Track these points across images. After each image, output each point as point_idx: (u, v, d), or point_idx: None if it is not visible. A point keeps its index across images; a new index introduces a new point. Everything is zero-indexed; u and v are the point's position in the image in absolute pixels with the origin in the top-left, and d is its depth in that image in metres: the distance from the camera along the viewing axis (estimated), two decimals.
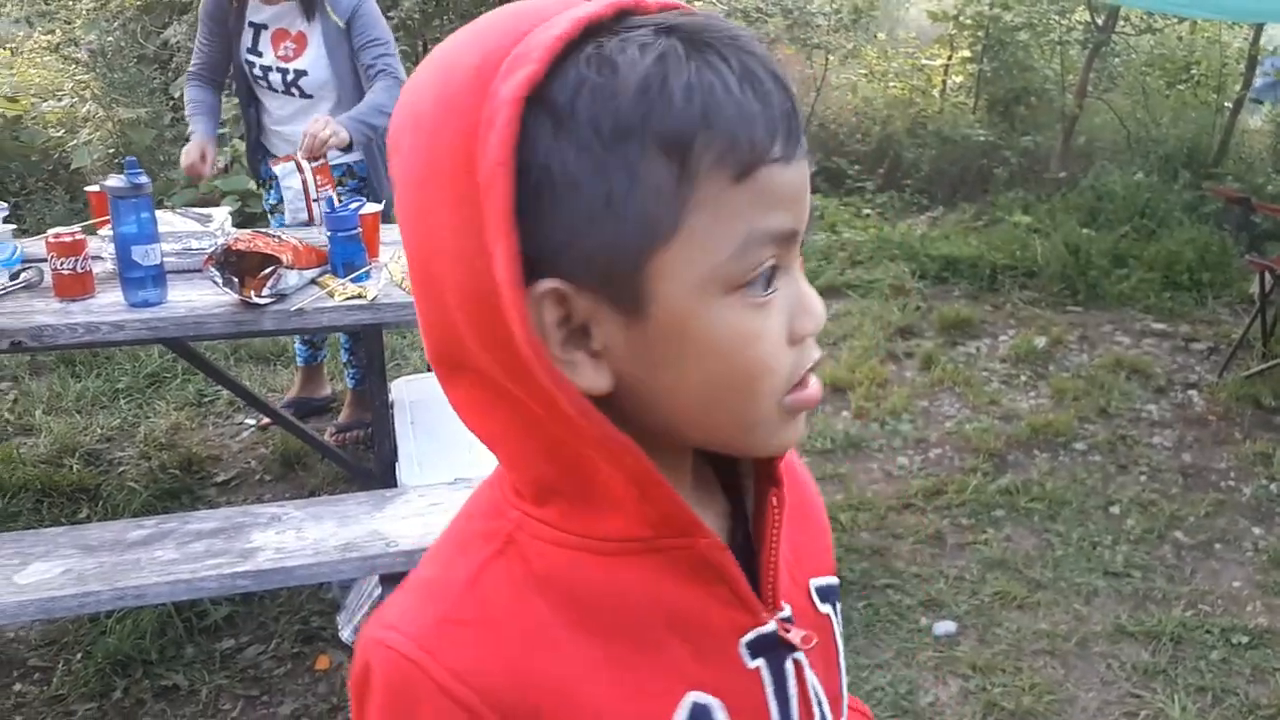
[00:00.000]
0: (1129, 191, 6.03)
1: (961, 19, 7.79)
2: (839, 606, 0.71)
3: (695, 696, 0.57)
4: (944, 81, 8.40)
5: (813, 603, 0.67)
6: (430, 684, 0.52)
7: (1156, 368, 4.37)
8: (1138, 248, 5.55)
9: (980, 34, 7.69)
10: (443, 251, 0.49)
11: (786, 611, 0.62)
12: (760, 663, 0.60)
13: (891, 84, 8.39)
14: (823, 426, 3.79)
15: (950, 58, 8.26)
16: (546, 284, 0.48)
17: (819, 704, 0.64)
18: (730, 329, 0.50)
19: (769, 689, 0.61)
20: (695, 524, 0.55)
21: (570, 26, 0.47)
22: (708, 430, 0.55)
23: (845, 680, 0.70)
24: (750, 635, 0.59)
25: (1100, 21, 6.67)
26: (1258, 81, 6.65)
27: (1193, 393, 4.16)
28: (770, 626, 0.60)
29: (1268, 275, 4.11)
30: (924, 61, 8.52)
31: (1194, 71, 7.35)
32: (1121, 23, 6.98)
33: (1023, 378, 4.29)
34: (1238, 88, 6.70)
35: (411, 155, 0.50)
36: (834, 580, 0.71)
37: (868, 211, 6.83)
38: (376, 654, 0.54)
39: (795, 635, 0.61)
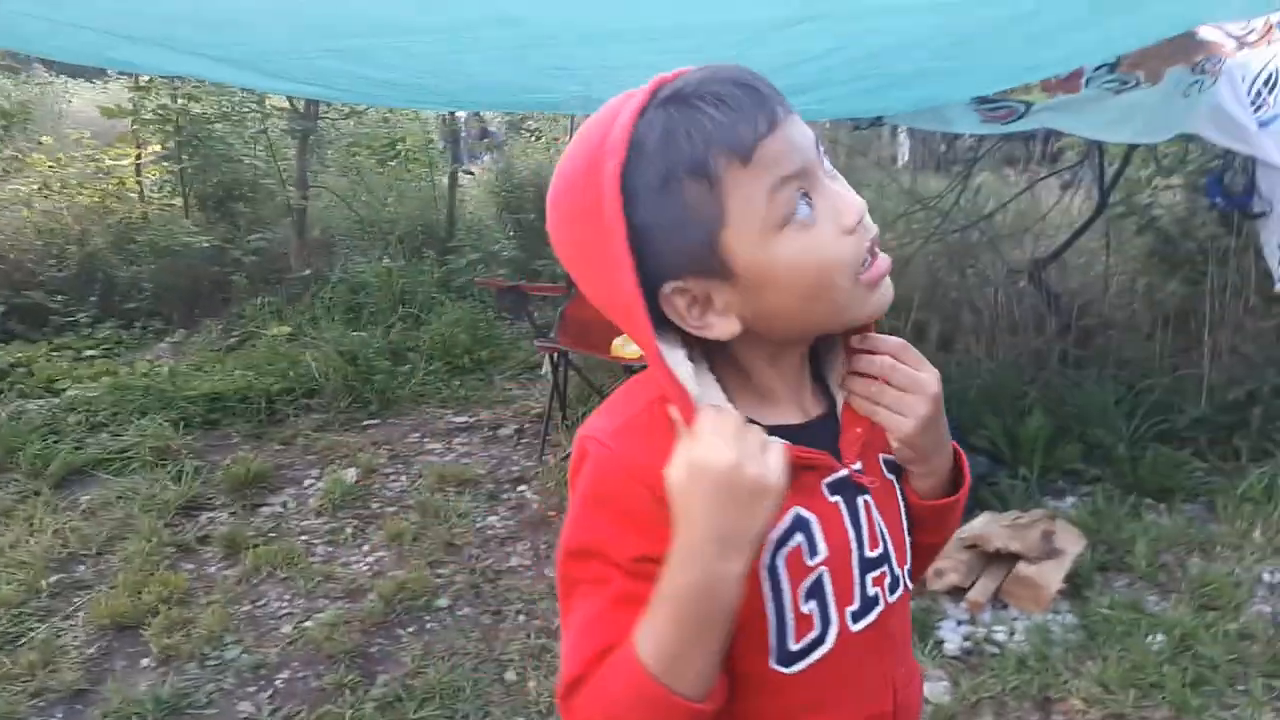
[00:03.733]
0: (383, 280, 5.74)
1: (143, 113, 6.80)
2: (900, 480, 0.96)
3: (798, 510, 0.85)
4: (139, 184, 7.29)
5: (881, 469, 0.94)
6: (619, 465, 0.82)
7: (479, 470, 4.05)
8: (411, 339, 5.27)
9: (170, 128, 6.79)
10: (593, 279, 0.82)
11: (858, 465, 0.91)
12: (838, 499, 0.89)
13: (77, 193, 7.02)
14: (119, 700, 2.66)
15: (139, 156, 7.19)
16: (668, 286, 0.79)
17: (883, 536, 0.92)
18: (794, 252, 0.78)
19: (845, 516, 0.89)
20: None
21: (629, 119, 0.77)
22: (816, 322, 0.84)
23: (908, 544, 0.96)
24: (829, 478, 0.88)
25: (302, 109, 6.27)
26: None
27: (524, 489, 3.92)
28: (843, 473, 0.89)
29: (556, 355, 4.04)
30: (110, 162, 7.29)
31: (399, 148, 7.40)
32: (324, 108, 6.69)
33: (348, 530, 3.61)
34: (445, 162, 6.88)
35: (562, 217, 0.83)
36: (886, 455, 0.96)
37: (90, 353, 5.53)
38: (589, 444, 0.84)
39: (865, 479, 0.91)
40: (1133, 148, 4.29)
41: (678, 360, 0.82)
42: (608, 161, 0.76)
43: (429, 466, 4.09)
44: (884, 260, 0.83)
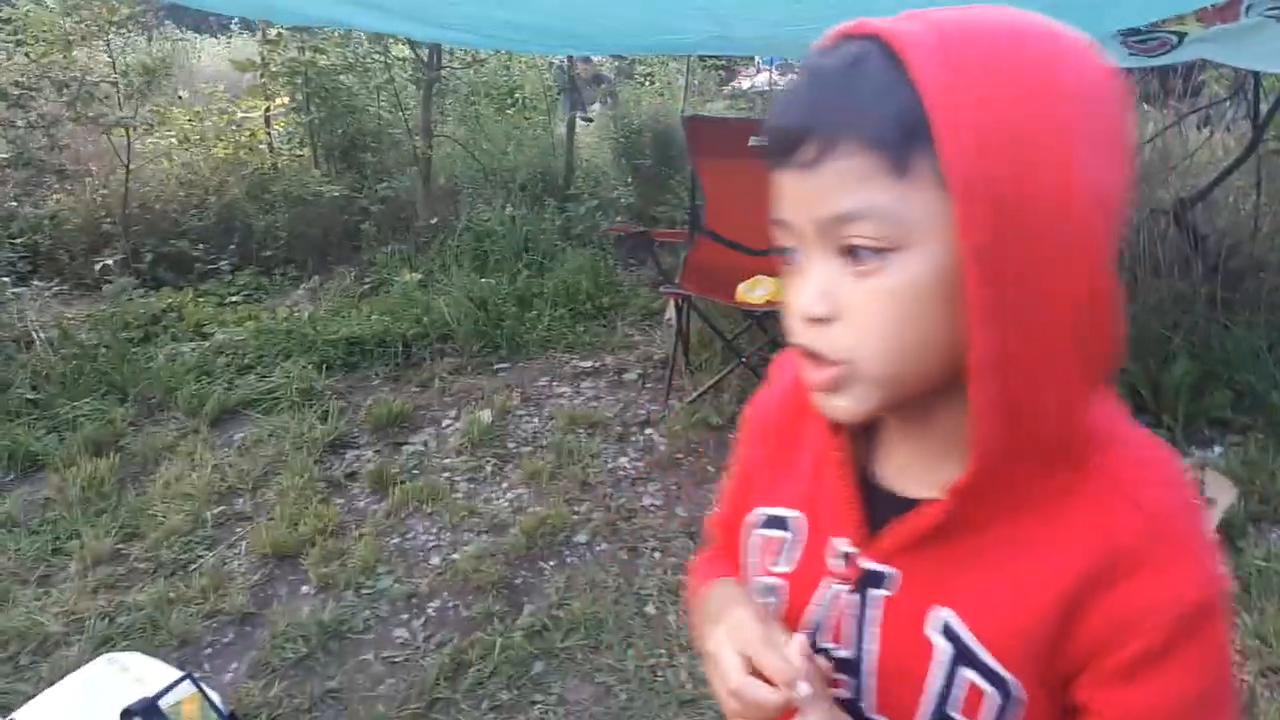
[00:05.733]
0: (507, 228, 5.83)
1: (272, 67, 7.01)
2: (973, 658, 0.66)
3: (795, 513, 0.79)
4: (269, 135, 7.54)
5: (922, 619, 0.68)
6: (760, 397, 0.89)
7: (607, 413, 4.13)
8: (536, 286, 5.36)
9: (298, 80, 6.99)
10: None
11: (874, 566, 0.71)
12: (838, 565, 0.74)
13: (213, 145, 7.31)
14: (285, 624, 2.84)
15: (269, 109, 7.42)
16: None
17: (857, 640, 0.72)
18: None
19: (821, 587, 0.75)
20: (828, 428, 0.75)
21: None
22: None
23: (925, 711, 0.69)
24: (838, 540, 0.74)
25: (426, 57, 6.38)
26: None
27: (651, 432, 3.99)
28: (848, 548, 0.73)
29: (680, 300, 4.08)
30: (241, 115, 7.55)
31: (518, 96, 7.47)
32: (447, 57, 6.80)
33: (488, 468, 3.75)
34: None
35: None
36: (968, 637, 0.67)
37: (234, 298, 5.80)
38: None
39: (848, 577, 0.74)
40: None
41: None
42: None
43: (559, 409, 4.19)
44: (814, 373, 0.66)
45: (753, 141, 4.35)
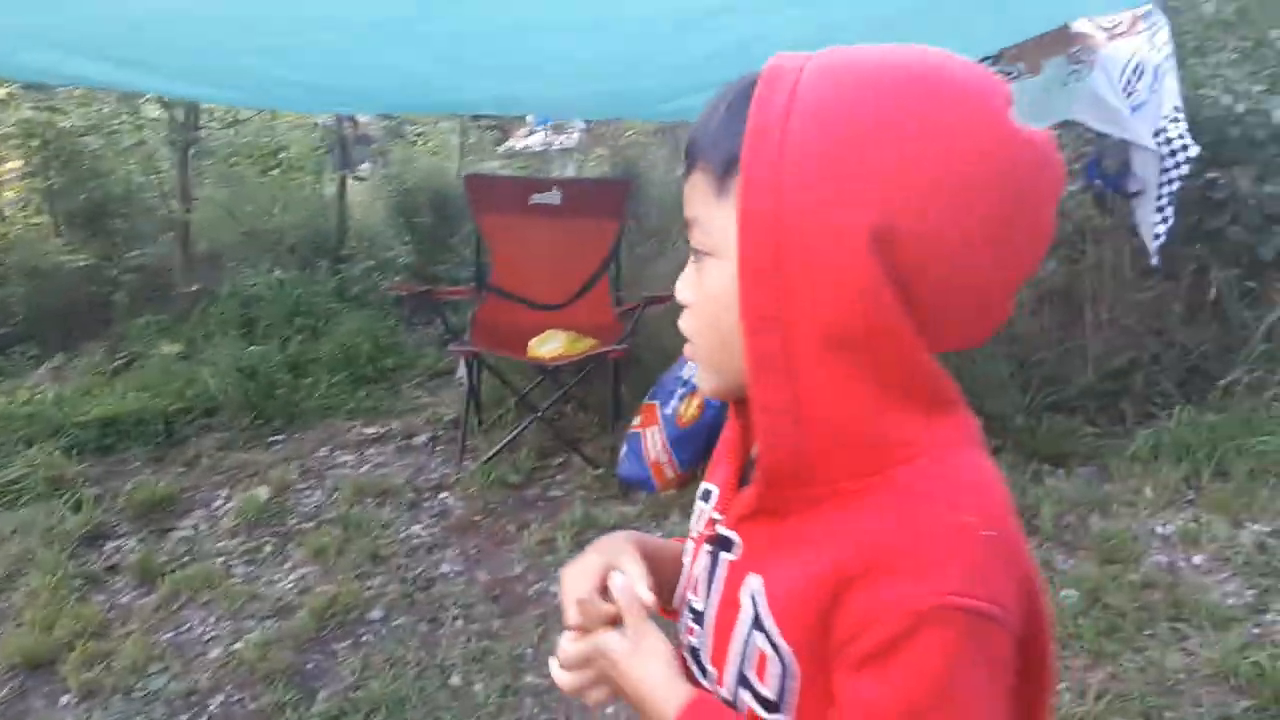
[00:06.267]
0: (276, 292, 5.56)
1: (1, 129, 6.43)
2: (763, 624, 0.73)
3: (708, 485, 0.87)
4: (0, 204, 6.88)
5: (741, 582, 0.76)
6: None
7: (397, 480, 3.98)
8: (311, 351, 5.13)
9: (34, 143, 6.43)
10: None
11: (725, 532, 0.79)
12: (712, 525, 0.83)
13: None
14: None
15: None
16: None
17: (707, 595, 0.80)
18: None
19: (697, 551, 0.84)
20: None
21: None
22: None
23: (732, 667, 0.76)
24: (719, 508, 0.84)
25: (182, 117, 6.03)
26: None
27: (446, 496, 3.87)
28: (714, 514, 0.83)
29: (472, 359, 4.01)
30: None
31: (283, 156, 7.20)
32: (205, 117, 6.45)
33: (267, 548, 3.51)
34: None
35: None
36: (763, 604, 0.73)
37: None
38: None
39: (700, 530, 0.86)
40: None
41: None
42: None
43: (343, 480, 4.00)
44: (685, 351, 0.81)
45: (534, 199, 4.37)
